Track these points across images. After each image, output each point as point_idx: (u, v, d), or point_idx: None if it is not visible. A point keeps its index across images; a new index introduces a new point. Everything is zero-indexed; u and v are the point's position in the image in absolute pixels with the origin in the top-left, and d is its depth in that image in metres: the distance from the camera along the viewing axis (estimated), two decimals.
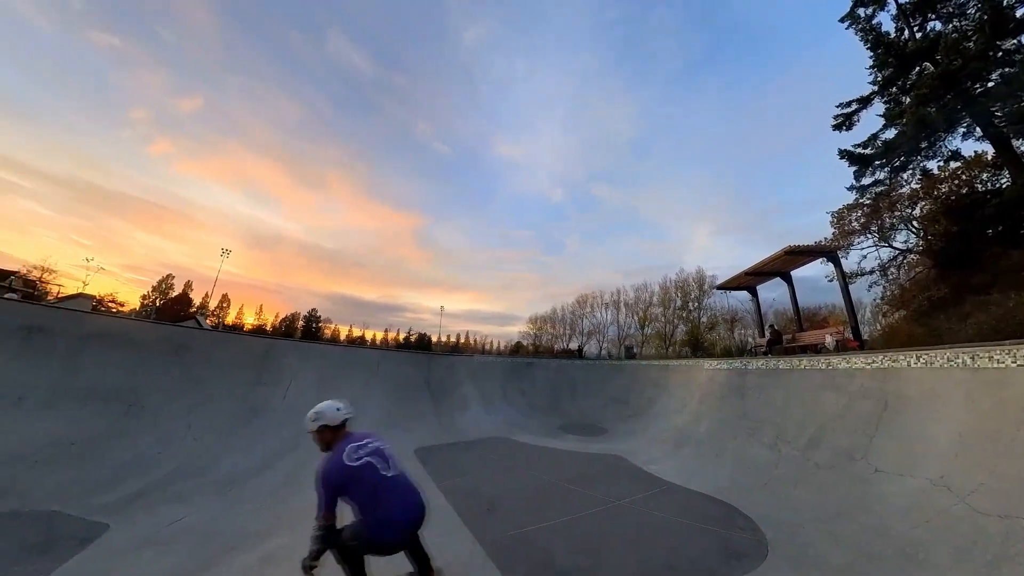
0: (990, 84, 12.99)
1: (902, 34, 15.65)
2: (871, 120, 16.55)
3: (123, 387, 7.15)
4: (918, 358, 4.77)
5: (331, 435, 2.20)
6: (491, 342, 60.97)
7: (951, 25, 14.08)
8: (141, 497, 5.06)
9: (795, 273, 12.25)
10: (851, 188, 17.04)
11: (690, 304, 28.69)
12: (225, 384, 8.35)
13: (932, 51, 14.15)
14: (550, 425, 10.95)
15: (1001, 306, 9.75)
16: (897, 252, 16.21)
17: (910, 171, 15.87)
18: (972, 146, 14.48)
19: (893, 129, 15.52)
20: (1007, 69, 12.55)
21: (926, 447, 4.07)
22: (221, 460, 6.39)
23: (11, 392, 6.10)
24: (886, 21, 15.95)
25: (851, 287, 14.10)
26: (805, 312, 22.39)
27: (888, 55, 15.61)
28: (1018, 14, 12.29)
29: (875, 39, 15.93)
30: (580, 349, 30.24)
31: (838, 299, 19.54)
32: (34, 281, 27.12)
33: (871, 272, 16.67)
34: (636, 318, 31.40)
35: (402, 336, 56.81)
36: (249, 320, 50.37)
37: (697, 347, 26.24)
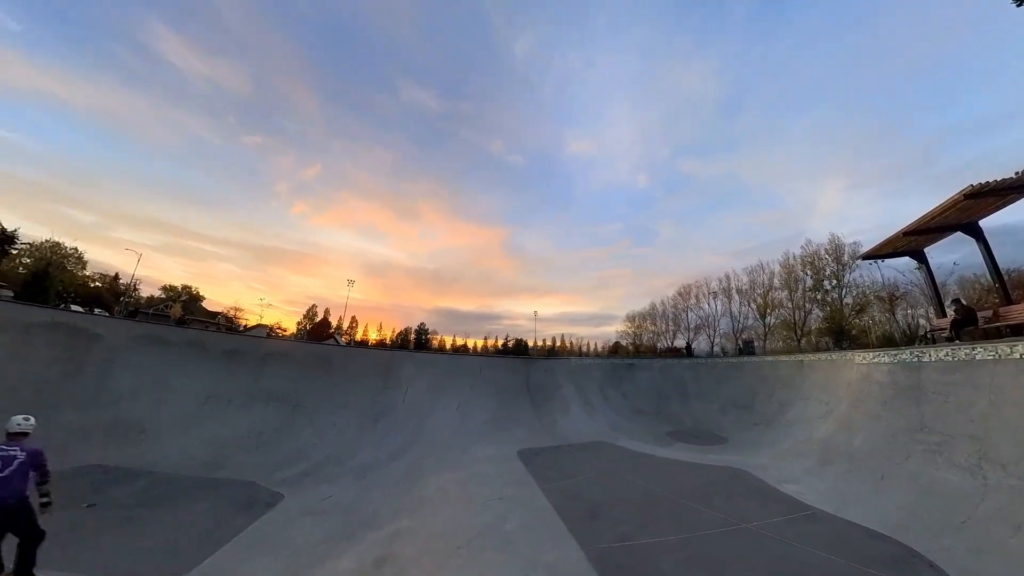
0: None
1: None
2: None
3: (290, 392, 9.19)
4: None
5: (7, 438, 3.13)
6: (587, 344, 59.51)
7: None
8: (306, 476, 6.41)
9: (986, 223, 8.19)
10: None
11: (825, 283, 23.20)
12: (359, 389, 10.09)
13: None
14: (658, 431, 10.28)
15: None
16: None
17: None
18: None
19: None
20: None
21: None
22: (358, 451, 7.70)
23: (224, 396, 8.40)
24: None
25: None
26: (1012, 276, 16.58)
27: None
28: None
29: None
30: (688, 346, 27.51)
31: None
32: (231, 318, 41.23)
33: None
34: (754, 306, 26.83)
35: (500, 343, 59.33)
36: (373, 336, 58.49)
37: (842, 336, 21.47)
